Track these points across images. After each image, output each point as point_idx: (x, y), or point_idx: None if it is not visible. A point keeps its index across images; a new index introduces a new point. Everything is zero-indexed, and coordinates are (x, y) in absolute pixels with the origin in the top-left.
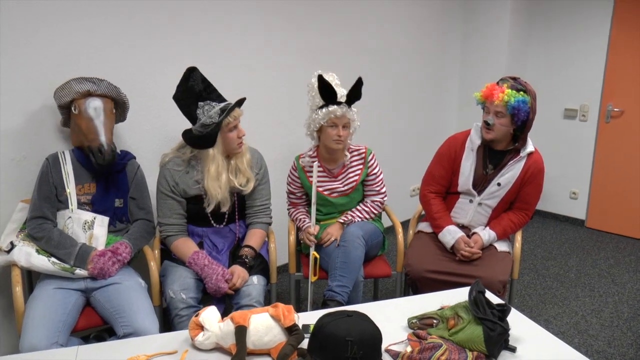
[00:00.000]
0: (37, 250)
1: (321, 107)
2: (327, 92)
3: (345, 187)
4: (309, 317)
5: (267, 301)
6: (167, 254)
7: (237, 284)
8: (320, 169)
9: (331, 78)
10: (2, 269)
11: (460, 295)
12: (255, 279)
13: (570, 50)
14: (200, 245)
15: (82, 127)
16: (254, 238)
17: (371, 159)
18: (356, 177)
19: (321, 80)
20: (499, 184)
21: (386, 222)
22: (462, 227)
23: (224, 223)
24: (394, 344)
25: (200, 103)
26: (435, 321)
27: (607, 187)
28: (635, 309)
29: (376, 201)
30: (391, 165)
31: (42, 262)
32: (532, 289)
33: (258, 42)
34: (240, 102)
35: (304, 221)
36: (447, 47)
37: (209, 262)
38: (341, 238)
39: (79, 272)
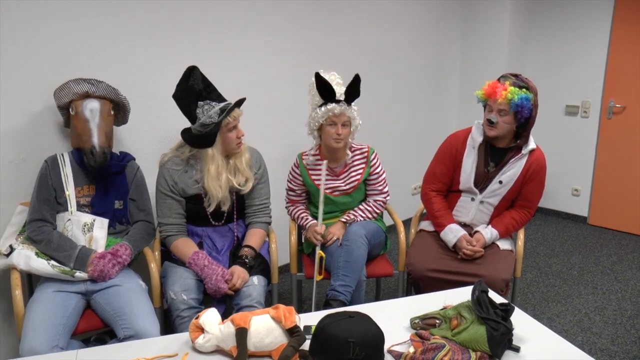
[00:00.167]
0: (36, 254)
1: (320, 106)
2: (325, 90)
3: (348, 186)
4: (311, 319)
5: (269, 302)
6: (167, 255)
7: (237, 284)
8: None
9: (332, 77)
10: (2, 273)
11: (463, 294)
12: (255, 279)
13: (571, 47)
14: (200, 245)
15: (78, 129)
16: (253, 238)
17: (374, 158)
18: (358, 176)
19: (319, 78)
20: (500, 182)
21: (387, 221)
22: (464, 225)
23: (223, 222)
24: (397, 344)
25: (200, 102)
26: (437, 321)
27: (609, 183)
28: (638, 306)
29: (378, 201)
30: (392, 164)
31: (42, 265)
32: (534, 287)
33: (258, 42)
34: (240, 103)
35: (307, 219)
36: (448, 46)
37: (209, 262)
38: (344, 237)
39: (79, 274)
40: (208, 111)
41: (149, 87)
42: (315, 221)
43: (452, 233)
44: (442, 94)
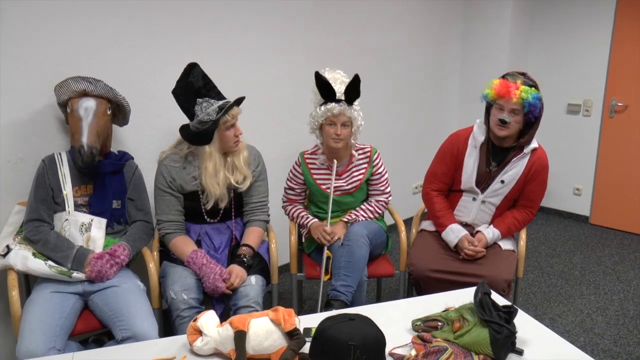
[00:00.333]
0: (33, 254)
1: (321, 105)
2: (325, 90)
3: (350, 186)
4: (311, 321)
5: (268, 302)
6: (166, 255)
7: (234, 283)
8: (325, 167)
9: (338, 75)
10: None
11: (465, 296)
12: (253, 279)
13: (573, 46)
14: (198, 244)
15: (72, 127)
16: (252, 236)
17: (376, 158)
18: (360, 176)
19: (318, 77)
20: (502, 182)
21: (388, 220)
22: (466, 225)
23: (218, 218)
24: (398, 347)
25: (199, 99)
26: (440, 323)
27: (611, 182)
28: None
29: (380, 201)
30: (393, 163)
31: (39, 266)
32: (536, 287)
33: (258, 42)
34: (238, 101)
35: (307, 218)
36: (448, 46)
37: (207, 261)
38: (345, 237)
39: (77, 275)
40: (206, 108)
41: (149, 87)
42: (316, 220)
43: (454, 233)
44: (442, 94)
